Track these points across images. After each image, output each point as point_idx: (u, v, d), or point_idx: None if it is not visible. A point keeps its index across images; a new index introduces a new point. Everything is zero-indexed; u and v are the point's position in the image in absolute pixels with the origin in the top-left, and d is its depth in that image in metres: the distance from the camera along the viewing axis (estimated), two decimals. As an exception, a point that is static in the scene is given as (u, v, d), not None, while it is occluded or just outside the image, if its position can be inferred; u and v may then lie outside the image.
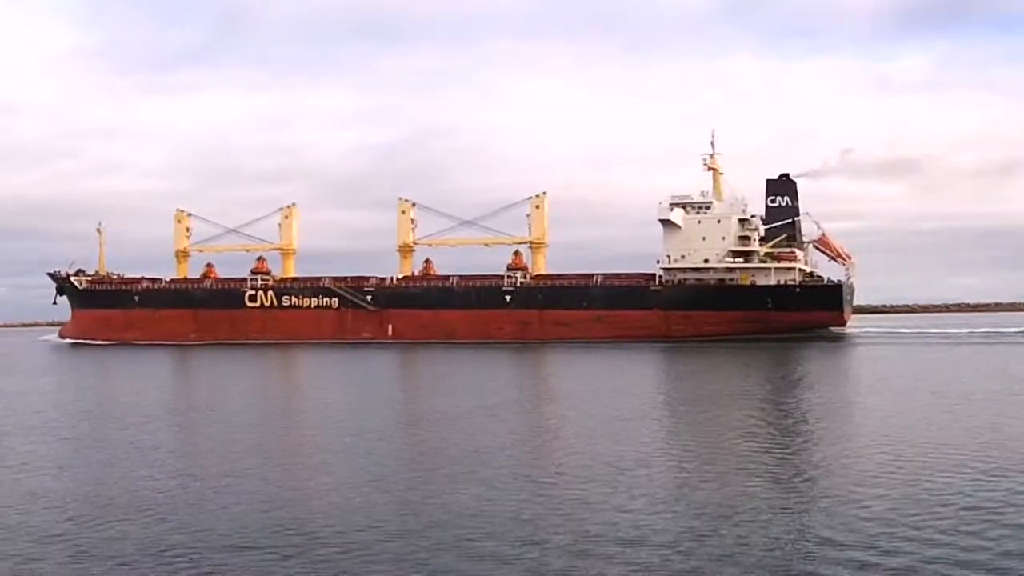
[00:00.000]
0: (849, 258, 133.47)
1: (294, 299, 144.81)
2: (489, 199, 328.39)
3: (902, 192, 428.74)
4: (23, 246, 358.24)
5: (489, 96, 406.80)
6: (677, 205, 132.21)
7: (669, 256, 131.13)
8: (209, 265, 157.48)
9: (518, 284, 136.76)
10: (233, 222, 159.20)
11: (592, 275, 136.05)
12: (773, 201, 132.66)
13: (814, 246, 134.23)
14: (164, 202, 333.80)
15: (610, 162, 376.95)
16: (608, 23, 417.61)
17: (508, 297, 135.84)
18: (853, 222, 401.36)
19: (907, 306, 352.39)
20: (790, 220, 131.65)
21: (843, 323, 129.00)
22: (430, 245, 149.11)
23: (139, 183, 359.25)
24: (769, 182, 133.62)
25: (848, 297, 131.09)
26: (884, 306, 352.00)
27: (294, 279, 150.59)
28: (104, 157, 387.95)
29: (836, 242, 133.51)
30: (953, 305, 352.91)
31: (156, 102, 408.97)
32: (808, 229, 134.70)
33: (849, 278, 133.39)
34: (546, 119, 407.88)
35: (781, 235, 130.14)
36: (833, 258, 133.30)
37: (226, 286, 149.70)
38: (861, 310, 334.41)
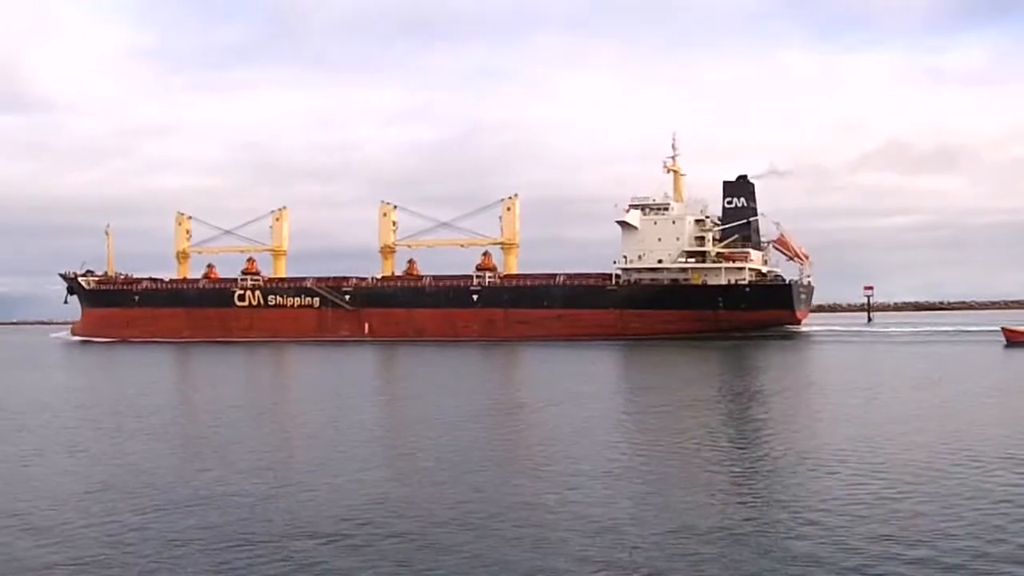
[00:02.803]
0: (806, 258, 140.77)
1: (279, 298, 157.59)
2: (540, 195, 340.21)
3: (957, 185, 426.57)
4: (78, 244, 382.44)
5: (538, 92, 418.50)
6: (635, 207, 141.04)
7: (626, 256, 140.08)
8: (210, 266, 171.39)
9: (486, 284, 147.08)
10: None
11: (555, 275, 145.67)
12: (730, 202, 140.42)
13: (773, 246, 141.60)
14: (215, 199, 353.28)
15: (661, 156, 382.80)
16: (658, 18, 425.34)
17: (475, 296, 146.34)
18: (906, 216, 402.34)
19: (962, 303, 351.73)
20: (745, 221, 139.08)
21: (796, 321, 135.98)
22: (409, 247, 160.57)
23: (191, 180, 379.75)
24: (726, 183, 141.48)
25: (803, 296, 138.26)
26: (942, 303, 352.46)
27: (281, 279, 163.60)
28: (157, 155, 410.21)
29: (794, 242, 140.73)
30: (1013, 301, 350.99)
31: (208, 100, 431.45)
32: (767, 229, 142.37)
33: (807, 277, 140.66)
34: (596, 114, 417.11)
35: (735, 235, 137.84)
36: (791, 258, 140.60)
37: (218, 286, 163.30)
38: (920, 307, 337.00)
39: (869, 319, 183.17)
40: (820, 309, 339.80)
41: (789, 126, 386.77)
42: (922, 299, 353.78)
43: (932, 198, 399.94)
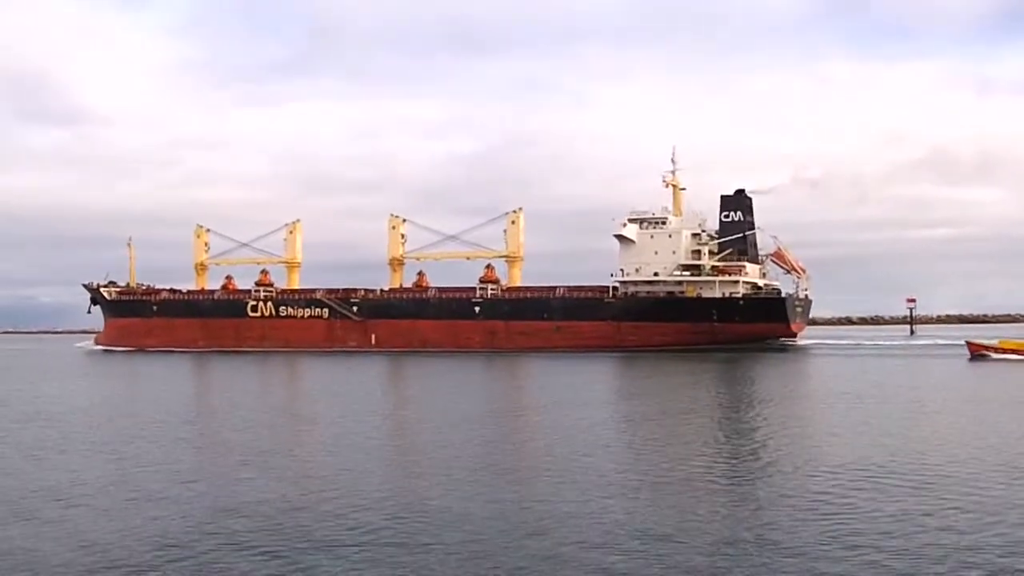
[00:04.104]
0: (803, 271, 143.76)
1: (290, 310, 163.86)
2: (580, 207, 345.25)
3: (1001, 196, 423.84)
4: (121, 255, 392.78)
5: (580, 103, 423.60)
6: (633, 221, 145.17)
7: (623, 270, 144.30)
8: (229, 277, 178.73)
9: (488, 296, 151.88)
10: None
11: (555, 287, 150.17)
12: (727, 216, 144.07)
13: (770, 259, 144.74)
14: (258, 212, 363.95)
15: (704, 166, 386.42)
16: (701, 28, 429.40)
17: (477, 308, 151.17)
18: (949, 228, 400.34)
19: (1007, 315, 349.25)
20: (741, 235, 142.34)
21: (791, 334, 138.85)
22: (418, 259, 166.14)
23: (234, 193, 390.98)
24: (723, 198, 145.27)
25: (799, 309, 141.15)
26: (986, 315, 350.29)
27: (292, 291, 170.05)
28: (200, 168, 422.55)
29: (791, 255, 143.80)
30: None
31: (251, 113, 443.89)
32: (765, 243, 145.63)
33: (805, 290, 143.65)
34: (638, 125, 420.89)
35: (730, 249, 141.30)
36: (788, 271, 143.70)
37: (232, 297, 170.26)
38: (964, 320, 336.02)
39: (912, 331, 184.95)
40: (862, 322, 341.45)
41: (829, 136, 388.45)
42: (966, 311, 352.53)
43: (975, 209, 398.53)
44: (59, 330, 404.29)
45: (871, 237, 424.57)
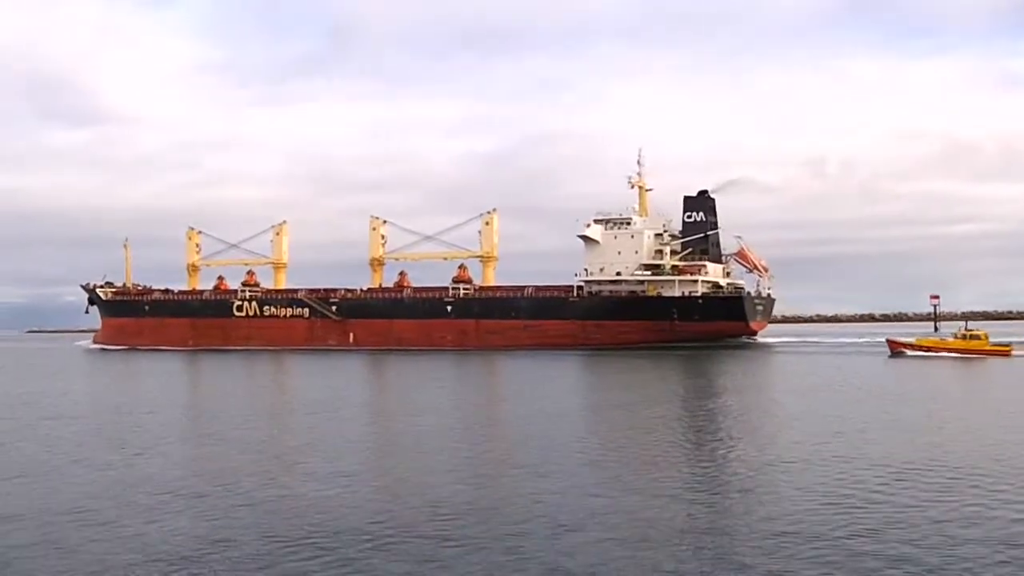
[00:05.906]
0: (766, 270, 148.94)
1: (273, 309, 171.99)
2: (595, 205, 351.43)
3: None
4: (140, 254, 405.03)
5: (596, 102, 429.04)
6: (598, 221, 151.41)
7: (587, 269, 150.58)
8: (220, 278, 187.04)
9: (460, 295, 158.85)
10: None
11: (523, 287, 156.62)
12: (689, 217, 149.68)
13: (734, 259, 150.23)
14: (276, 211, 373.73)
15: (721, 164, 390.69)
16: (718, 26, 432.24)
17: (449, 308, 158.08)
18: (971, 224, 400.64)
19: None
20: (703, 234, 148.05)
21: (751, 332, 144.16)
22: (397, 259, 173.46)
23: (253, 193, 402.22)
24: (686, 198, 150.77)
25: (760, 307, 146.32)
26: (1010, 312, 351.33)
27: (276, 291, 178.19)
28: (219, 168, 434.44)
29: (753, 255, 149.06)
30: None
31: (270, 113, 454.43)
32: (728, 243, 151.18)
33: (767, 289, 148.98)
34: (655, 124, 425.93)
35: (690, 249, 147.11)
36: (751, 270, 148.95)
37: (219, 297, 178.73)
38: (988, 316, 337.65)
39: (935, 328, 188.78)
40: (885, 319, 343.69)
41: (848, 133, 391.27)
42: (990, 308, 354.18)
43: (999, 205, 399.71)
44: (81, 329, 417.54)
45: (894, 234, 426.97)
